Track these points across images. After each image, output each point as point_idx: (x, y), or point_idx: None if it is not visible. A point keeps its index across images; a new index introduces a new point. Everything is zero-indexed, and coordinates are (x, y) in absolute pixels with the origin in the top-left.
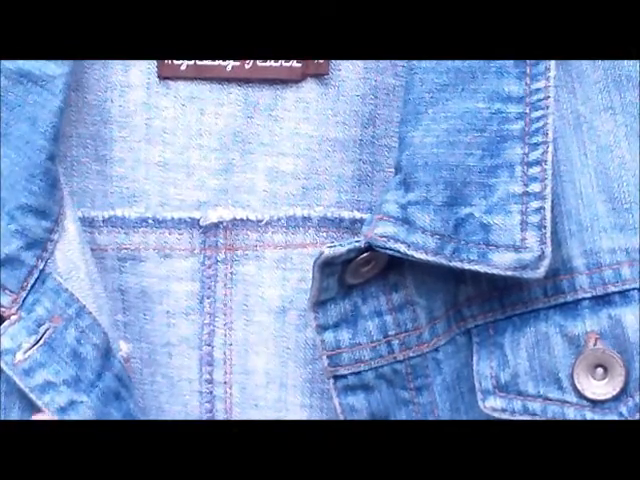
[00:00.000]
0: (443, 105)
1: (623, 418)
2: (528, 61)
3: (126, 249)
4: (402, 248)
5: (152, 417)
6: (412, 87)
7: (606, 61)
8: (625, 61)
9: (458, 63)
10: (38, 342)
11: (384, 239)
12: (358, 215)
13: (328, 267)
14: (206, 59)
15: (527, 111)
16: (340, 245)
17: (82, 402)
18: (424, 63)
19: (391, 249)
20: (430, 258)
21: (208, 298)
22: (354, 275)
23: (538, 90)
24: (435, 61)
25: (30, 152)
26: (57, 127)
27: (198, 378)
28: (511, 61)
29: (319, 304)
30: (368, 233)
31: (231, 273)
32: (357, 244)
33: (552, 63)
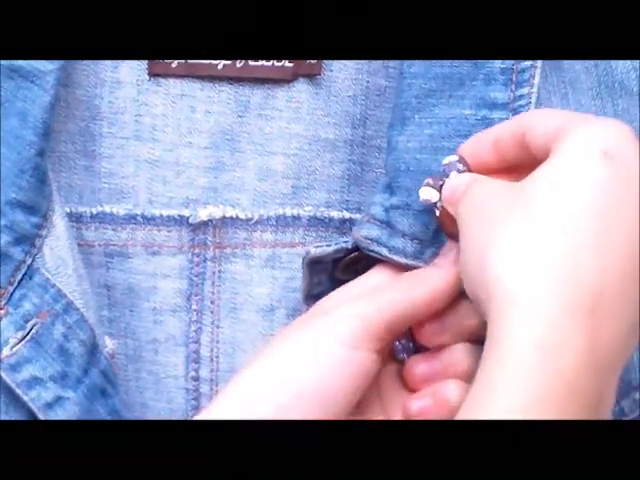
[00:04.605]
0: (430, 111)
1: None
2: (514, 68)
3: (113, 245)
4: (383, 251)
5: (137, 413)
6: (401, 92)
7: (600, 68)
8: (619, 68)
9: (447, 69)
10: (25, 337)
11: (368, 241)
12: (347, 215)
13: (317, 265)
14: (197, 59)
15: (510, 117)
16: (327, 245)
17: (68, 398)
18: (413, 68)
19: (374, 252)
20: (409, 262)
21: (196, 296)
22: (344, 272)
23: (522, 96)
24: (424, 67)
25: (20, 147)
26: (47, 123)
27: (184, 375)
28: (498, 68)
29: (311, 297)
30: (355, 234)
31: (219, 271)
32: (344, 245)
33: (537, 71)
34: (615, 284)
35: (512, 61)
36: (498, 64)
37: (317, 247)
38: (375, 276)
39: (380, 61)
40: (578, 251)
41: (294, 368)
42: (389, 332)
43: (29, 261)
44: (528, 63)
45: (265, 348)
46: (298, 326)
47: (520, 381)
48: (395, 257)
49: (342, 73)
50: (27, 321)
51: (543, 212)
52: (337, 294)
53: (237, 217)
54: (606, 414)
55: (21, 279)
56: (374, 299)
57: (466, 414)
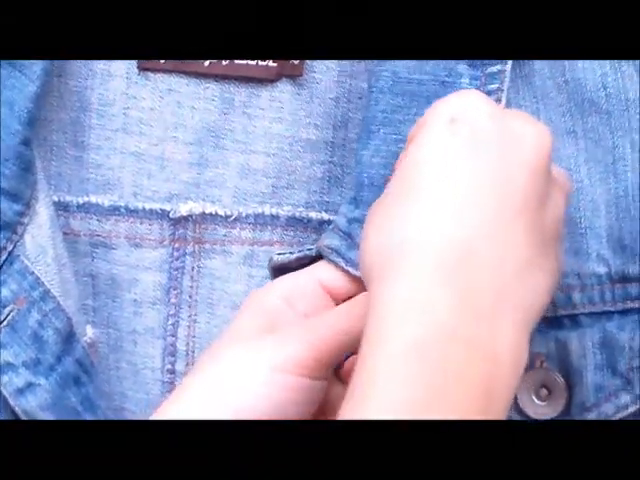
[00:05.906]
0: (395, 127)
1: None
2: (481, 90)
3: (98, 236)
4: (341, 262)
5: (116, 402)
6: (369, 105)
7: (570, 85)
8: (588, 85)
9: (414, 86)
10: (1, 323)
11: (329, 251)
12: (326, 216)
13: (283, 271)
14: (184, 59)
15: None
16: (290, 253)
17: (40, 385)
18: (380, 82)
19: (333, 261)
20: None
21: (174, 289)
22: None
23: None
24: (391, 82)
25: (5, 135)
26: (32, 112)
27: (161, 367)
28: (466, 86)
29: None
30: (320, 242)
31: (198, 266)
32: (308, 252)
33: (504, 94)
34: (484, 230)
35: (479, 82)
36: (465, 84)
37: (280, 254)
38: (321, 270)
39: (362, 64)
40: (431, 209)
41: (245, 392)
42: (339, 357)
43: (10, 248)
44: (495, 86)
45: (217, 353)
46: (242, 342)
47: (395, 340)
48: (350, 269)
49: (325, 75)
50: (4, 307)
51: (398, 185)
52: (282, 289)
53: (217, 213)
54: (515, 365)
55: (1, 265)
56: (325, 328)
57: (349, 398)
